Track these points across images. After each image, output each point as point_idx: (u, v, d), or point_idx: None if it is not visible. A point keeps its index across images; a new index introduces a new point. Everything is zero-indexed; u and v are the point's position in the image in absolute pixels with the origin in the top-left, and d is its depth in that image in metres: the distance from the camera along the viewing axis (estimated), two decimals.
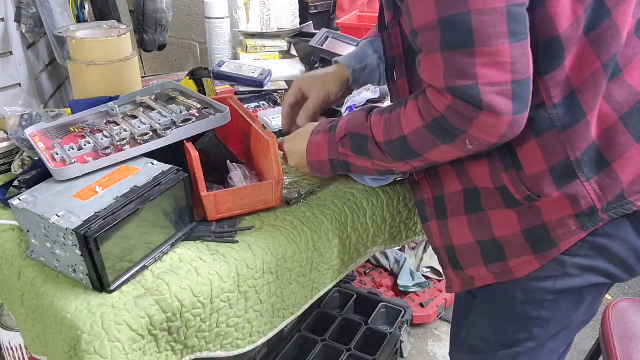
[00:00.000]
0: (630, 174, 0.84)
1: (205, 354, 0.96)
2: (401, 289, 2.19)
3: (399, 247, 1.93)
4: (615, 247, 0.88)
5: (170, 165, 0.99)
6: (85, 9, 1.66)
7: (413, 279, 2.21)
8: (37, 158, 1.17)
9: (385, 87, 1.18)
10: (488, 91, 0.73)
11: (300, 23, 2.04)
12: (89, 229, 0.84)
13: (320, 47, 1.47)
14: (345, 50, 1.40)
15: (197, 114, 1.11)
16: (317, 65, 1.45)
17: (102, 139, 1.05)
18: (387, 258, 2.30)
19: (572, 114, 0.81)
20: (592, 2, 0.77)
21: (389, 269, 2.29)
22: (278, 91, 1.53)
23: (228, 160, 1.13)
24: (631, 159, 0.83)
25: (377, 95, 1.31)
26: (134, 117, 1.14)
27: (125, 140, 1.04)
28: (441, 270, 2.33)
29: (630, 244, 0.87)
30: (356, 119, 0.95)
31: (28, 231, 0.94)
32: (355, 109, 1.49)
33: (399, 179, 1.18)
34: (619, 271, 0.90)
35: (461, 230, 0.97)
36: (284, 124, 1.21)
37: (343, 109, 1.37)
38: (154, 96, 1.21)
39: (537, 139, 0.83)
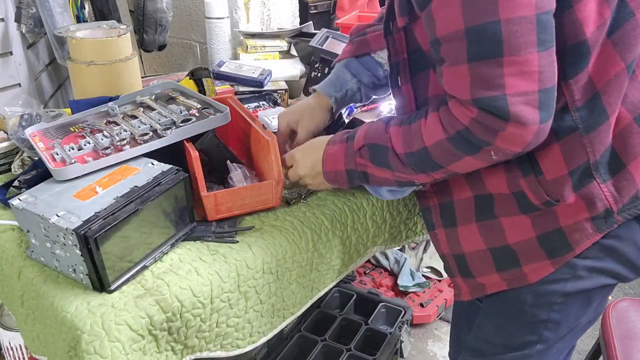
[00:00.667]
0: None
1: (205, 354, 0.96)
2: (401, 289, 2.19)
3: (399, 247, 1.93)
4: (624, 248, 0.88)
5: (170, 165, 0.99)
6: (85, 9, 1.66)
7: (413, 279, 2.21)
8: (37, 158, 1.17)
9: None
10: (516, 102, 0.72)
11: (300, 23, 2.04)
12: (89, 229, 0.84)
13: (320, 47, 1.47)
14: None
15: (197, 114, 1.11)
16: (317, 65, 1.45)
17: (102, 139, 1.05)
18: (387, 258, 2.30)
19: (595, 116, 0.80)
20: (616, 3, 0.77)
21: (389, 269, 2.29)
22: (278, 91, 1.53)
23: (228, 160, 1.13)
24: None
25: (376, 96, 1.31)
26: (134, 117, 1.14)
27: (125, 140, 1.04)
28: (442, 271, 2.33)
29: (638, 244, 0.88)
30: (375, 130, 0.93)
31: (28, 231, 0.94)
32: (355, 109, 1.49)
33: (417, 189, 1.11)
34: (627, 271, 0.90)
35: (471, 238, 0.95)
36: (285, 163, 1.14)
37: (343, 109, 1.37)
38: (154, 96, 1.21)
39: (559, 142, 0.82)
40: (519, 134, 0.74)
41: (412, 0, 0.81)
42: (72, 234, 0.84)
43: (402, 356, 2.00)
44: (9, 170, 1.23)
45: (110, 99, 1.21)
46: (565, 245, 0.88)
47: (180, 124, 1.07)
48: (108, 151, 1.01)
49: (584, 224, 0.86)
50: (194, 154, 1.02)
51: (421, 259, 2.32)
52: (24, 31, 1.45)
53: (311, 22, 1.84)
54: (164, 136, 1.04)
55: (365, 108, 1.52)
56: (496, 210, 0.91)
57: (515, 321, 0.98)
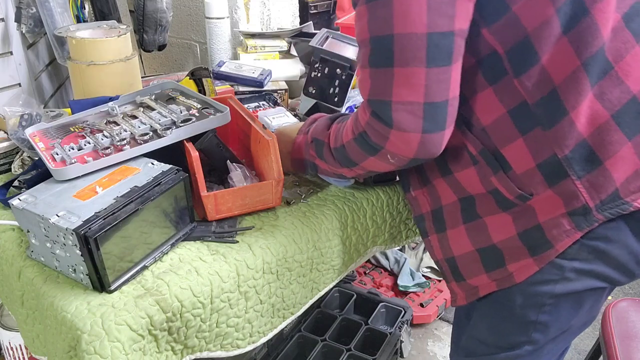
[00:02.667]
0: (623, 172, 0.83)
1: (205, 354, 0.96)
2: (401, 289, 2.19)
3: (399, 247, 1.93)
4: (614, 251, 0.87)
5: (170, 165, 0.99)
6: (85, 9, 1.66)
7: (413, 279, 2.21)
8: (37, 158, 1.17)
9: None
10: (398, 109, 0.79)
11: (300, 23, 2.04)
12: (89, 229, 0.84)
13: (320, 47, 1.47)
14: (345, 50, 1.39)
15: (197, 114, 1.11)
16: (317, 65, 1.45)
17: (102, 139, 1.05)
18: (387, 258, 2.30)
19: (554, 112, 0.82)
20: (569, 1, 0.78)
21: (389, 269, 2.29)
22: (278, 91, 1.53)
23: (228, 160, 1.13)
24: (624, 158, 0.83)
25: None
26: (134, 117, 1.14)
27: (125, 140, 1.04)
28: None
29: (630, 247, 0.87)
30: (321, 126, 1.03)
31: (28, 231, 0.94)
32: (355, 109, 1.49)
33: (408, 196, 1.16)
34: (619, 275, 0.90)
35: (460, 240, 0.97)
36: None
37: (343, 109, 1.37)
38: (154, 96, 1.21)
39: (524, 137, 0.85)
40: (403, 140, 0.81)
41: None
42: (72, 234, 0.84)
43: (402, 356, 2.00)
44: (9, 170, 1.23)
45: (110, 99, 1.21)
46: (545, 242, 0.88)
47: (180, 124, 1.07)
48: (108, 151, 1.01)
49: (561, 220, 0.86)
50: (194, 154, 1.02)
51: (421, 259, 2.33)
52: (24, 31, 1.45)
53: (311, 22, 1.84)
54: (164, 136, 1.04)
55: None
56: (479, 210, 0.93)
57: (507, 321, 0.98)
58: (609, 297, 1.04)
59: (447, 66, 0.78)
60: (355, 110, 0.92)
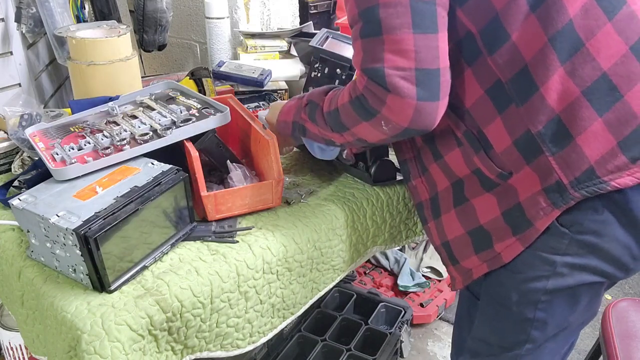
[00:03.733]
0: (596, 149, 0.84)
1: (205, 354, 0.96)
2: (401, 289, 2.19)
3: (399, 247, 1.93)
4: (605, 245, 0.87)
5: (170, 165, 0.99)
6: (85, 9, 1.66)
7: (413, 279, 2.21)
8: (37, 158, 1.17)
9: None
10: (392, 74, 0.81)
11: (300, 23, 2.04)
12: (89, 229, 0.84)
13: (320, 47, 1.47)
14: (345, 50, 1.39)
15: (197, 114, 1.11)
16: (317, 65, 1.45)
17: (102, 139, 1.05)
18: (387, 258, 2.30)
19: (525, 88, 0.84)
20: None
21: (389, 269, 2.29)
22: (278, 91, 1.53)
23: (228, 160, 1.13)
24: (595, 134, 0.83)
25: None
26: (134, 117, 1.14)
27: (125, 140, 1.04)
28: (441, 270, 2.34)
29: (621, 240, 0.87)
30: (319, 91, 1.04)
31: (28, 231, 0.94)
32: None
33: (400, 178, 1.19)
34: (613, 269, 0.90)
35: (453, 224, 1.00)
36: None
37: None
38: (154, 96, 1.21)
39: (501, 115, 0.87)
40: (399, 106, 0.82)
41: None
42: (72, 234, 0.84)
43: (402, 356, 2.00)
44: (9, 170, 1.23)
45: (110, 99, 1.21)
46: (525, 220, 0.89)
47: (180, 124, 1.07)
48: (108, 151, 1.01)
49: (538, 198, 0.87)
50: (194, 154, 1.02)
51: (421, 259, 2.32)
52: (24, 31, 1.45)
53: (311, 22, 1.84)
54: (164, 136, 1.04)
55: None
56: (466, 193, 0.97)
57: (506, 321, 0.99)
58: (609, 297, 1.04)
59: (434, 34, 0.81)
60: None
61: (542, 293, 0.92)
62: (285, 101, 1.14)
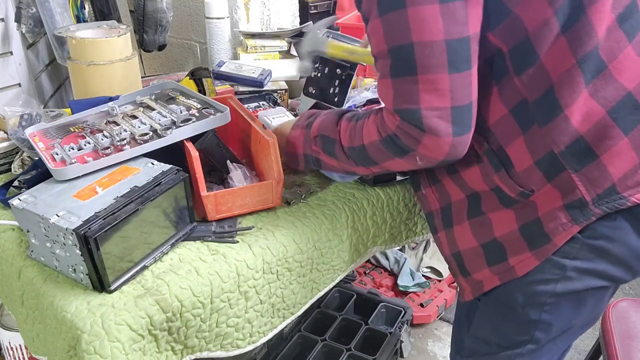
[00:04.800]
0: (619, 167, 0.84)
1: (205, 354, 0.96)
2: (401, 289, 2.19)
3: (399, 247, 1.93)
4: (615, 249, 0.87)
5: (170, 165, 0.99)
6: (85, 9, 1.66)
7: (413, 279, 2.21)
8: (37, 158, 1.17)
9: None
10: (429, 115, 0.81)
11: (300, 23, 2.04)
12: (89, 229, 0.84)
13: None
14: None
15: (197, 114, 1.11)
16: (317, 65, 1.45)
17: (102, 139, 1.05)
18: (387, 258, 2.30)
19: (549, 109, 0.84)
20: (568, 2, 0.79)
21: (389, 269, 2.29)
22: (278, 91, 1.53)
23: (228, 160, 1.13)
24: (620, 153, 0.84)
25: (376, 95, 1.31)
26: (134, 117, 1.14)
27: (125, 140, 1.04)
28: (441, 270, 2.33)
29: (631, 245, 0.87)
30: (329, 122, 1.02)
31: (28, 231, 0.94)
32: (355, 107, 1.49)
33: (400, 178, 1.20)
34: (621, 272, 0.90)
35: (465, 235, 0.99)
36: None
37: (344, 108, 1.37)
38: (154, 96, 1.21)
39: (524, 135, 0.86)
40: (436, 144, 0.83)
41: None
42: (72, 233, 0.84)
43: (402, 356, 2.00)
44: (9, 170, 1.23)
45: (110, 99, 1.21)
46: (543, 235, 0.89)
47: (180, 124, 1.07)
48: (108, 151, 1.01)
49: (558, 213, 0.87)
50: (194, 154, 1.02)
51: (421, 259, 2.32)
52: (24, 31, 1.45)
53: (311, 22, 1.84)
54: (164, 136, 1.04)
55: (365, 108, 1.52)
56: (483, 207, 0.95)
57: (509, 321, 0.99)
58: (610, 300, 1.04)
59: (468, 70, 0.80)
60: (375, 112, 0.92)
61: (549, 296, 0.92)
62: (284, 124, 1.12)
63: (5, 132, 1.25)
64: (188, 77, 1.55)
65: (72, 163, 0.99)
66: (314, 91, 1.39)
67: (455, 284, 2.25)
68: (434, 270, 2.28)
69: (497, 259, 0.95)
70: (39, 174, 1.05)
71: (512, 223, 0.92)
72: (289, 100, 1.57)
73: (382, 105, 0.89)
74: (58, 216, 0.88)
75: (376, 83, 1.27)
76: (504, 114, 0.87)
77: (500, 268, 0.95)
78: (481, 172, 0.92)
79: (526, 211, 0.90)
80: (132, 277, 0.92)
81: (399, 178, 1.20)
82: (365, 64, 1.36)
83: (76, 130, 1.11)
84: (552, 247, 0.88)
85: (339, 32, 1.51)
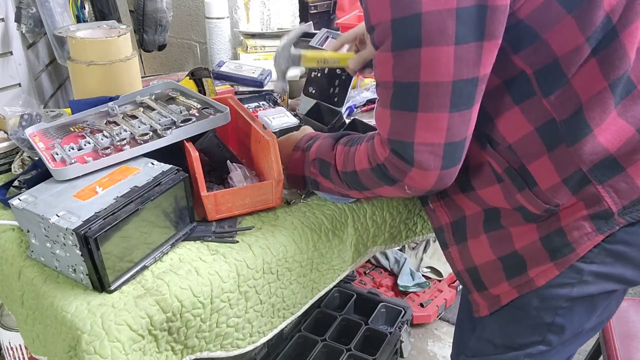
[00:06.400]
0: None
1: (205, 354, 0.96)
2: (401, 289, 2.19)
3: (399, 247, 1.93)
4: (632, 253, 0.88)
5: (170, 165, 0.99)
6: (85, 9, 1.66)
7: (413, 279, 2.21)
8: (37, 158, 1.17)
9: None
10: (421, 150, 0.81)
11: (300, 23, 2.04)
12: (89, 229, 0.84)
13: (320, 47, 1.47)
14: (345, 50, 1.40)
15: (197, 114, 1.11)
16: None
17: (102, 139, 1.05)
18: (387, 258, 2.30)
19: (578, 129, 0.83)
20: (601, 24, 0.78)
21: (389, 269, 2.29)
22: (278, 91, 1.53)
23: (228, 160, 1.13)
24: None
25: (376, 95, 1.31)
26: (134, 117, 1.14)
27: (125, 140, 1.04)
28: (442, 270, 2.33)
29: None
30: (325, 146, 1.04)
31: (28, 231, 0.94)
32: (355, 109, 1.49)
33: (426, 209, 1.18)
34: (636, 274, 0.90)
35: (482, 249, 0.98)
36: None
37: (343, 109, 1.37)
38: (154, 96, 1.21)
39: (549, 153, 0.86)
40: (423, 177, 0.84)
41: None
42: (72, 234, 0.84)
43: (402, 356, 2.00)
44: (9, 170, 1.23)
45: (110, 99, 1.21)
46: (566, 244, 0.88)
47: (180, 124, 1.07)
48: (108, 151, 1.01)
49: (582, 222, 0.87)
50: (194, 154, 1.02)
51: (421, 259, 2.33)
52: (24, 31, 1.45)
53: (311, 22, 1.84)
54: (164, 136, 1.04)
55: (365, 108, 1.52)
56: (503, 222, 0.94)
57: (520, 323, 0.98)
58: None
59: (469, 109, 0.80)
60: (367, 140, 0.93)
61: (564, 300, 0.92)
62: (285, 142, 1.12)
63: (5, 132, 1.25)
64: (188, 77, 1.55)
65: (72, 163, 0.99)
66: (314, 91, 1.39)
67: (455, 283, 2.25)
68: (434, 270, 2.28)
69: (516, 272, 0.94)
70: (39, 174, 1.05)
71: (533, 234, 0.91)
72: (289, 100, 1.57)
73: (377, 131, 0.89)
74: (58, 216, 0.88)
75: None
76: (528, 131, 0.85)
77: (519, 280, 0.94)
78: (502, 191, 0.91)
79: (548, 222, 0.89)
80: (132, 277, 0.92)
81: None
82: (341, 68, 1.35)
83: (76, 130, 1.11)
84: (575, 256, 0.88)
85: (339, 32, 1.51)
